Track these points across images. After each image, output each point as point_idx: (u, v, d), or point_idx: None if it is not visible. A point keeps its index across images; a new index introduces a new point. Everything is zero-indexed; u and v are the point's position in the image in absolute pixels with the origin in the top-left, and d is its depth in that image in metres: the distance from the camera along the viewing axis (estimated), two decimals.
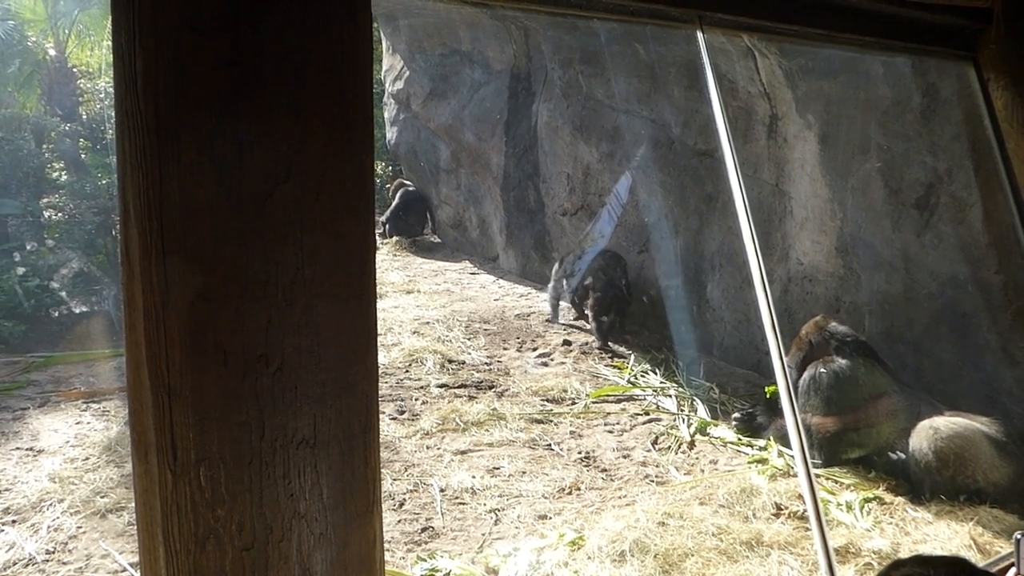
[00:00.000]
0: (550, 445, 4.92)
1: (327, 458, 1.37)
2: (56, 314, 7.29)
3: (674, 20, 3.19)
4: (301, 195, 1.30)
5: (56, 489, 4.19)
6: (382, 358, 6.49)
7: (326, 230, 1.32)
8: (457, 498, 4.23)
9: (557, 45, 8.19)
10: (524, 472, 4.54)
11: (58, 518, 3.92)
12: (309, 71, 1.28)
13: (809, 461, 3.00)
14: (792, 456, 4.27)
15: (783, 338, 5.21)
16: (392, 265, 9.90)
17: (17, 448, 4.73)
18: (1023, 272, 3.91)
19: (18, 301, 6.89)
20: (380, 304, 8.02)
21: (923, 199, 4.62)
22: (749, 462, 4.61)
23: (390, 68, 11.49)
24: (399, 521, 4.00)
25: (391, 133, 11.78)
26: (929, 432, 3.94)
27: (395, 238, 10.63)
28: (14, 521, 3.89)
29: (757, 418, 4.94)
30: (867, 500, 4.06)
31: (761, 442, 4.80)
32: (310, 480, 1.35)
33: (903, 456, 4.09)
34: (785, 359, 4.66)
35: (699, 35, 3.25)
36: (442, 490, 4.30)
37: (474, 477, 4.44)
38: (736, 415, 5.06)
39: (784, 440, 4.51)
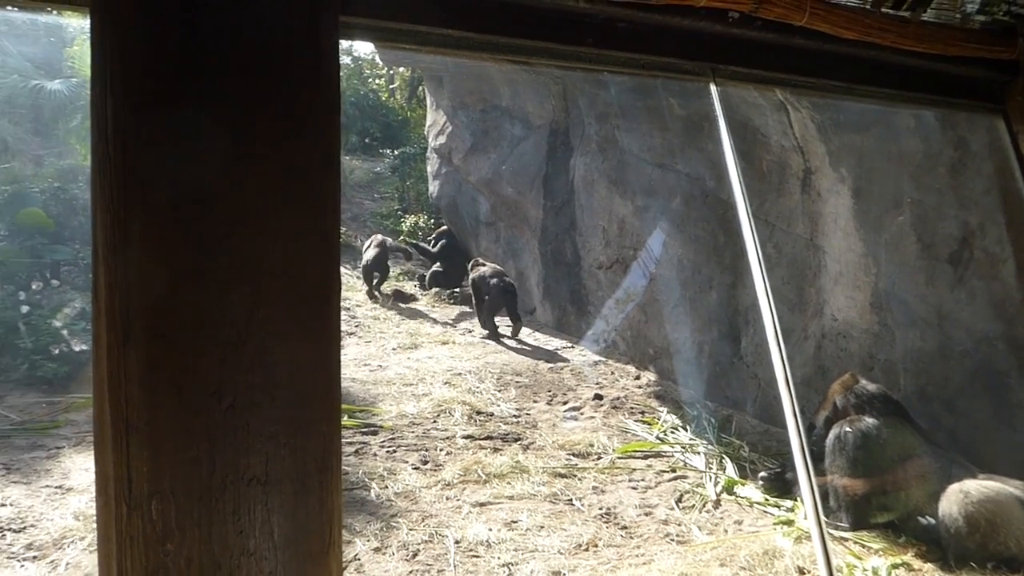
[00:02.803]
0: (571, 500, 4.85)
1: (279, 496, 1.37)
2: None
3: (687, 73, 3.21)
4: (258, 238, 1.33)
5: (79, 527, 4.25)
6: (411, 408, 6.52)
7: (283, 273, 1.36)
8: (471, 551, 4.18)
9: (593, 100, 8.30)
10: (542, 527, 4.47)
11: (77, 555, 3.97)
12: (267, 119, 1.32)
13: (823, 523, 2.90)
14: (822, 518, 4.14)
15: (817, 396, 5.10)
16: (429, 316, 9.97)
17: (47, 485, 4.83)
18: None
19: (65, 343, 7.09)
20: (415, 354, 8.11)
21: (956, 254, 4.52)
22: (775, 523, 4.48)
23: (433, 123, 11.74)
24: (411, 572, 3.96)
25: (433, 186, 11.99)
26: (959, 496, 3.79)
27: (434, 289, 10.71)
28: (35, 557, 3.96)
29: (786, 477, 4.81)
30: (895, 566, 3.90)
31: (789, 503, 4.67)
32: (260, 517, 1.36)
33: (933, 521, 3.93)
34: (813, 418, 4.56)
35: (712, 88, 3.27)
36: (457, 542, 4.26)
37: (491, 530, 4.39)
38: (763, 474, 4.94)
39: None
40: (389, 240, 10.91)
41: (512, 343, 8.88)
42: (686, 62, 3.12)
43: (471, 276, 9.37)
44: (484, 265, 9.35)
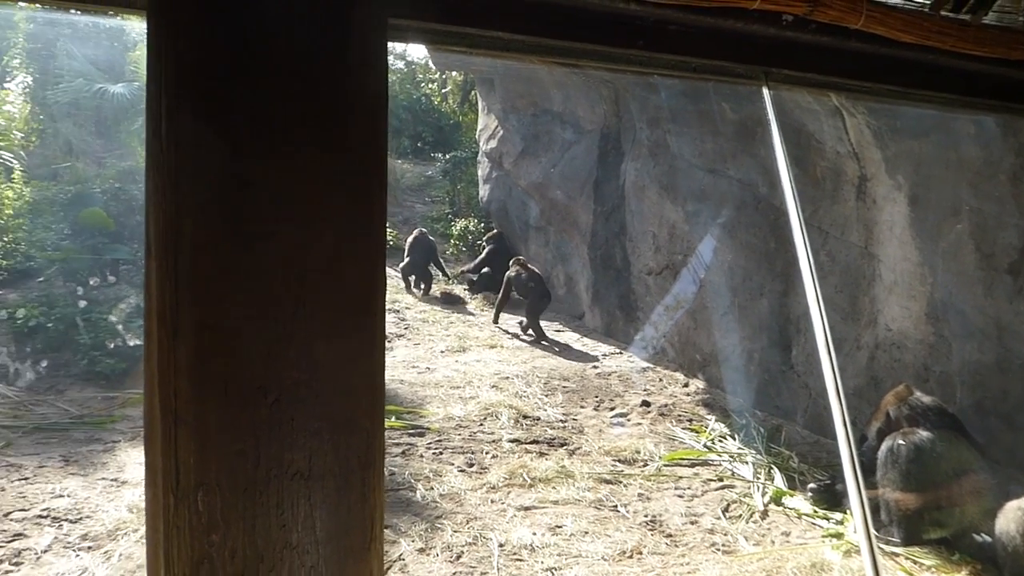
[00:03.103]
0: (616, 506, 4.82)
1: (321, 491, 1.39)
2: None
3: (739, 77, 3.16)
4: (303, 236, 1.35)
5: (132, 519, 4.36)
6: (458, 410, 6.54)
7: (328, 270, 1.37)
8: (515, 554, 4.18)
9: (644, 104, 8.25)
10: (586, 532, 4.45)
11: (130, 547, 4.07)
12: (315, 119, 1.34)
13: (874, 537, 2.84)
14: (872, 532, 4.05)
15: (869, 408, 4.98)
16: (478, 320, 10.00)
17: (103, 478, 4.96)
18: None
19: (121, 339, 7.28)
20: (463, 357, 8.14)
21: (1016, 264, 4.39)
22: (823, 536, 4.40)
23: (484, 128, 11.79)
24: (454, 574, 3.97)
25: (484, 191, 12.03)
26: (1017, 514, 3.67)
27: (482, 293, 10.74)
28: (89, 547, 4.07)
29: (836, 489, 4.71)
30: None
31: (838, 515, 4.57)
32: (303, 512, 1.37)
33: (989, 539, 3.82)
34: (865, 429, 4.46)
35: (765, 92, 3.22)
36: (501, 545, 4.26)
37: (535, 534, 4.39)
38: (812, 485, 4.85)
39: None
40: (428, 235, 11.04)
41: (556, 347, 8.87)
42: (738, 65, 3.06)
43: (507, 273, 9.56)
44: (523, 268, 9.46)
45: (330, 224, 1.36)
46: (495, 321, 9.70)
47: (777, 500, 4.90)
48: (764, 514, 4.74)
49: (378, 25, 1.43)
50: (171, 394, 1.35)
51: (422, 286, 10.72)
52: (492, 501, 4.85)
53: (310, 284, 1.35)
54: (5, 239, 9.21)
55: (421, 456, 5.56)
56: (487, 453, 5.66)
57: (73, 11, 1.99)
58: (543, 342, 9.01)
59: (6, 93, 12.15)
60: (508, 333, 9.33)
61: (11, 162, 10.07)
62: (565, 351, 8.76)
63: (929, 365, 5.13)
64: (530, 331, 9.17)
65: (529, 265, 9.60)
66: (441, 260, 11.22)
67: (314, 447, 1.38)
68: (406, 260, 10.66)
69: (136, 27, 10.97)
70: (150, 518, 1.45)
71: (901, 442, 4.12)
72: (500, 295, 9.67)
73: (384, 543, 1.60)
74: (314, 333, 1.36)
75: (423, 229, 11.20)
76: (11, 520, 4.36)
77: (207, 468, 1.34)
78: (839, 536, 4.34)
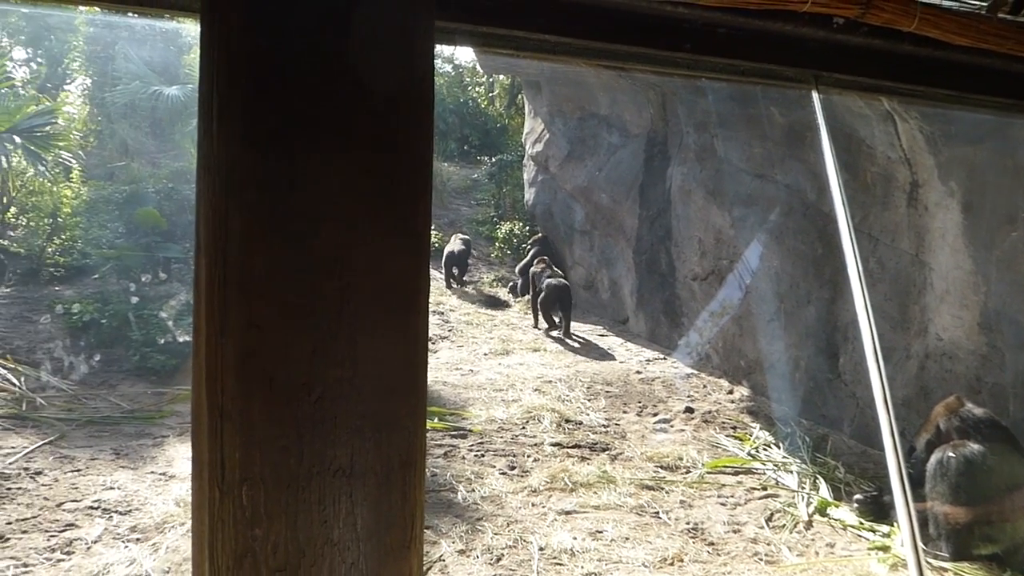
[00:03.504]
0: (658, 513, 4.78)
1: (363, 489, 1.40)
2: None
3: (788, 80, 3.12)
4: (349, 235, 1.37)
5: (179, 513, 4.45)
6: (501, 413, 6.55)
7: (372, 268, 1.39)
8: (555, 558, 4.18)
9: (692, 109, 8.18)
10: (627, 538, 4.43)
11: (177, 540, 4.15)
12: (361, 119, 1.36)
13: (921, 551, 2.78)
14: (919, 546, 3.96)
15: (918, 419, 4.88)
16: (521, 323, 10.01)
17: (152, 472, 5.07)
18: None
19: (171, 335, 7.44)
20: (506, 360, 8.16)
21: None
22: (869, 548, 4.31)
23: (531, 131, 11.79)
24: None
25: (529, 194, 12.03)
26: None
27: (526, 296, 10.74)
28: (138, 539, 4.16)
29: (883, 501, 4.62)
30: None
31: (885, 528, 4.48)
32: (344, 508, 1.39)
33: None
34: (914, 440, 4.37)
35: (814, 96, 3.17)
36: (541, 549, 4.25)
37: (575, 539, 4.37)
38: (858, 497, 4.76)
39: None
40: (462, 235, 11.43)
41: (587, 348, 8.84)
42: (787, 69, 3.02)
43: (531, 270, 9.98)
44: (547, 266, 9.78)
45: (375, 224, 1.38)
46: (535, 325, 9.75)
47: (822, 511, 4.82)
48: (808, 524, 4.67)
49: (425, 27, 1.45)
50: (218, 390, 1.38)
51: (455, 284, 11.06)
52: (533, 505, 4.85)
53: (355, 283, 1.37)
54: (63, 237, 9.49)
55: (463, 458, 5.58)
56: (529, 456, 5.66)
57: (130, 14, 2.05)
58: (569, 338, 9.23)
59: (66, 95, 12.51)
60: (551, 337, 9.33)
61: (70, 162, 10.38)
62: (607, 356, 8.72)
63: (981, 376, 5.01)
64: (565, 329, 9.31)
65: (550, 267, 9.85)
66: (467, 265, 11.37)
67: (356, 444, 1.39)
68: (444, 257, 11.10)
69: (191, 30, 11.21)
70: (196, 511, 1.48)
71: (951, 454, 4.02)
72: (531, 296, 9.91)
73: (424, 543, 1.61)
74: (358, 331, 1.38)
75: (458, 233, 11.49)
76: (63, 510, 4.48)
77: (251, 463, 1.36)
78: (885, 549, 4.25)
